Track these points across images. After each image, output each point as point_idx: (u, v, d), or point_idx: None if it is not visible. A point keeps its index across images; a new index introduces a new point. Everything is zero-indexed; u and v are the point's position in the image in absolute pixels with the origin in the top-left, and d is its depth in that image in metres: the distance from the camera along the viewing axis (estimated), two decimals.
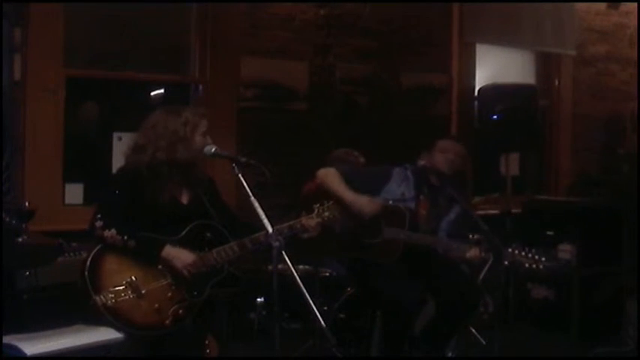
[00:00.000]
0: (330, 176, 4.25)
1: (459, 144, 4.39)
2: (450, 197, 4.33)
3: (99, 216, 3.28)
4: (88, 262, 3.23)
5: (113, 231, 3.25)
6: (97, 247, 3.28)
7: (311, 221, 3.54)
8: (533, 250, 3.91)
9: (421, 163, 4.33)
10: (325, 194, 4.00)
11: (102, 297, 3.18)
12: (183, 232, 3.41)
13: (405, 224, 4.18)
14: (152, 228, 3.36)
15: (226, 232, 3.51)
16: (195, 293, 3.37)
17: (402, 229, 4.17)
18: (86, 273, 3.20)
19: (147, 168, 3.39)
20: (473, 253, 4.06)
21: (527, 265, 3.90)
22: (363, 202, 4.12)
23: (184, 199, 3.50)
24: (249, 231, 3.41)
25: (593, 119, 7.31)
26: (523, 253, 3.91)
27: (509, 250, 3.94)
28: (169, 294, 3.33)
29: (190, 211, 3.48)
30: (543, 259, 3.88)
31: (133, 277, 3.27)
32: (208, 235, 3.47)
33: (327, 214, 3.57)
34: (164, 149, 3.39)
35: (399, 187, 4.31)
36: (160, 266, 3.33)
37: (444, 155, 4.30)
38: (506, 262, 3.95)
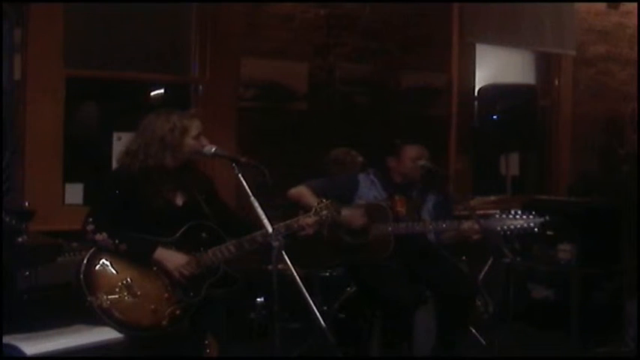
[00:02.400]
0: (303, 194, 4.26)
1: (422, 147, 4.41)
2: (422, 188, 4.39)
3: (90, 219, 3.29)
4: (84, 264, 3.25)
5: (104, 234, 3.25)
6: (92, 249, 3.29)
7: (308, 220, 3.55)
8: (520, 212, 3.95)
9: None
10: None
11: (97, 299, 3.18)
12: (179, 233, 3.41)
13: (388, 218, 4.21)
14: (147, 230, 3.36)
15: (222, 232, 3.51)
16: (192, 294, 3.37)
17: (387, 223, 4.19)
18: (81, 275, 3.21)
19: (139, 172, 3.39)
20: (467, 225, 4.07)
21: (519, 226, 3.93)
22: (348, 215, 4.15)
23: (179, 201, 3.50)
24: (250, 230, 3.41)
25: (593, 119, 7.30)
26: (510, 216, 3.96)
27: (497, 216, 3.97)
28: (166, 295, 3.33)
29: (186, 212, 3.48)
30: (532, 217, 3.98)
31: (129, 279, 3.28)
32: (204, 235, 3.47)
33: (325, 212, 3.58)
34: (152, 157, 3.40)
35: (369, 191, 4.39)
36: (154, 267, 3.34)
37: (414, 163, 4.32)
38: (504, 228, 3.98)
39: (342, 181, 4.50)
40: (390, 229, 4.19)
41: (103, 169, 4.99)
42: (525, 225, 3.99)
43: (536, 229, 4.01)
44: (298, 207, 4.08)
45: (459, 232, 4.14)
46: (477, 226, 4.05)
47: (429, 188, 4.41)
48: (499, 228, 4.03)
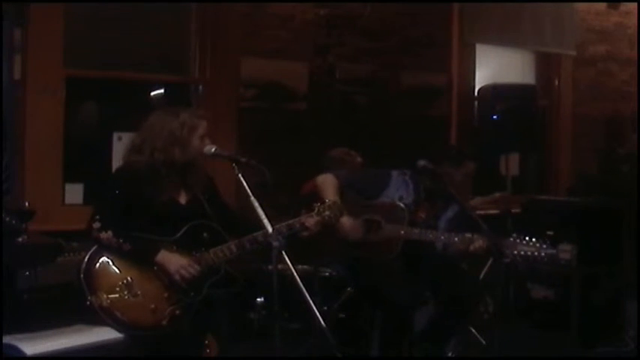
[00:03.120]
0: (326, 184, 4.23)
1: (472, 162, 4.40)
2: (448, 196, 4.35)
3: (97, 217, 3.28)
4: (84, 263, 3.24)
5: (110, 233, 3.25)
6: (94, 248, 3.29)
7: (310, 220, 3.55)
8: (534, 240, 3.96)
9: (421, 163, 4.33)
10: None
11: (98, 297, 3.18)
12: (180, 233, 3.41)
13: (404, 221, 4.19)
14: (150, 228, 3.36)
15: (224, 231, 3.51)
16: (193, 293, 3.37)
17: (402, 225, 4.18)
18: (82, 274, 3.21)
19: (145, 168, 3.39)
20: (477, 244, 4.05)
21: (529, 253, 3.93)
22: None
23: (183, 200, 3.50)
24: (251, 230, 3.41)
25: (593, 119, 7.31)
26: (524, 242, 3.96)
27: (511, 239, 3.98)
28: (166, 294, 3.33)
29: (189, 211, 3.48)
30: (544, 246, 3.93)
31: (129, 278, 3.27)
32: (205, 235, 3.47)
33: (327, 212, 3.57)
34: (161, 150, 3.39)
35: (397, 191, 4.34)
36: (155, 267, 3.34)
37: (458, 179, 4.31)
38: (514, 252, 3.98)
39: (373, 176, 4.45)
40: (402, 232, 4.17)
41: (103, 169, 5.00)
42: (536, 254, 3.96)
43: (545, 260, 3.99)
44: (319, 196, 4.05)
45: (468, 251, 4.12)
46: (486, 247, 4.04)
47: (452, 198, 4.37)
48: (509, 251, 4.01)
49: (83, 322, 3.17)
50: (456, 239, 4.11)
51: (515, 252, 3.98)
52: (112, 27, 5.13)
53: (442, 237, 4.17)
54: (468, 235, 4.08)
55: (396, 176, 4.38)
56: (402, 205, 4.26)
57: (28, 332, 3.04)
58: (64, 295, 3.67)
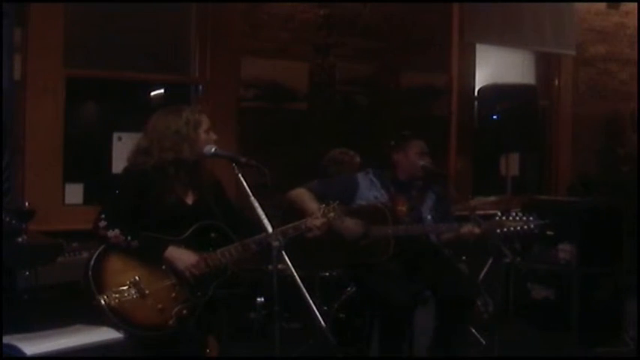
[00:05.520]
0: (303, 197, 4.20)
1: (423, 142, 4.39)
2: (420, 186, 4.35)
3: (103, 216, 3.28)
4: (92, 262, 3.23)
5: (117, 231, 3.25)
6: (101, 247, 3.27)
7: (316, 221, 3.55)
8: (520, 214, 3.97)
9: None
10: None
11: (105, 297, 3.18)
12: (188, 233, 3.40)
13: (388, 220, 4.19)
14: (157, 228, 3.35)
15: (231, 232, 3.51)
16: (199, 293, 3.36)
17: (386, 224, 4.18)
18: (90, 273, 3.20)
19: (153, 169, 3.38)
20: (466, 229, 4.05)
21: (519, 228, 3.94)
22: (349, 225, 4.13)
23: (190, 200, 3.50)
24: (257, 231, 3.41)
25: (593, 119, 7.31)
26: (510, 218, 3.97)
27: (497, 217, 3.98)
28: (173, 294, 3.32)
29: (195, 211, 3.47)
30: (532, 219, 3.96)
31: (137, 277, 3.26)
32: (213, 235, 3.46)
33: (332, 214, 3.58)
34: (170, 150, 3.39)
35: (370, 192, 4.33)
36: (163, 266, 3.33)
37: (419, 158, 4.31)
38: (504, 230, 3.98)
39: (342, 183, 4.47)
40: (389, 231, 4.17)
41: (103, 169, 5.00)
42: (525, 227, 3.98)
43: (535, 231, 4.00)
44: (297, 210, 4.05)
45: (459, 235, 4.12)
46: (476, 230, 4.04)
47: (428, 186, 4.39)
48: (498, 230, 4.02)
49: (83, 322, 3.17)
50: (444, 227, 4.12)
51: (505, 229, 3.99)
52: (112, 27, 5.13)
53: (429, 228, 4.17)
54: (455, 223, 4.08)
55: (361, 178, 4.38)
56: (381, 205, 4.26)
57: (28, 332, 3.03)
58: (64, 295, 3.67)
